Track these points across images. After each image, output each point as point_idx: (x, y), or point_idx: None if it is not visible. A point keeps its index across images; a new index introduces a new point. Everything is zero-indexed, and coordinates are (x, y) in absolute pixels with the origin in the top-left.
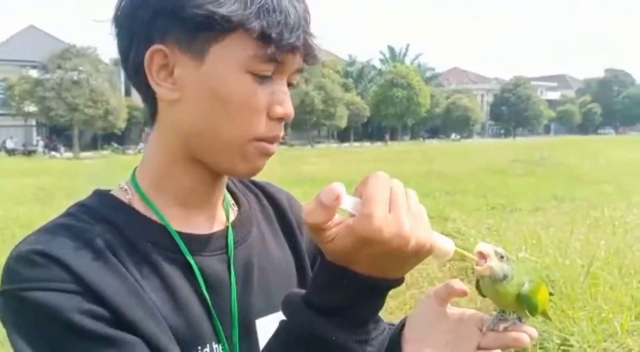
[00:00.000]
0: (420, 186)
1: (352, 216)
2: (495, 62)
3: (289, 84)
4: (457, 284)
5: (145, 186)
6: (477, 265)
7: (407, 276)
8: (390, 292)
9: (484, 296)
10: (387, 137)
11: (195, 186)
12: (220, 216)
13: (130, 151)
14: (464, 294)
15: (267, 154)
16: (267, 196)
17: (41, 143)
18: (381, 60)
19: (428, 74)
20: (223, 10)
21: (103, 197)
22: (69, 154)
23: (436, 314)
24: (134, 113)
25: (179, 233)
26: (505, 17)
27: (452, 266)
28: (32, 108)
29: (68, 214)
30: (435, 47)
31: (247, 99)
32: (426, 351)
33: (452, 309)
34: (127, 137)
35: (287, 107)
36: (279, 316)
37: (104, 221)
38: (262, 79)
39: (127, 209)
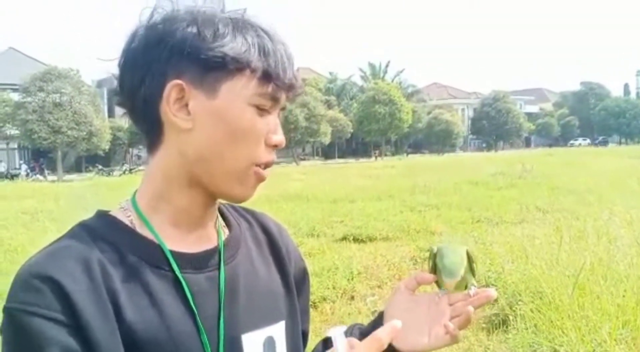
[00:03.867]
0: (406, 200)
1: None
2: (474, 76)
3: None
4: (425, 274)
5: (144, 206)
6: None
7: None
8: (381, 308)
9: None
10: (377, 152)
11: (191, 207)
12: (211, 235)
13: (115, 173)
14: (430, 281)
15: (261, 180)
16: (258, 222)
17: (24, 166)
18: (362, 77)
19: (409, 90)
20: (233, 53)
21: (103, 218)
22: (53, 177)
23: (408, 301)
24: (117, 134)
25: (172, 252)
26: (481, 32)
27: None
28: (13, 131)
29: (71, 235)
30: (414, 62)
31: (251, 129)
32: (411, 332)
33: (417, 295)
34: (111, 159)
35: (280, 136)
36: (264, 332)
37: (103, 240)
38: (262, 111)
39: (125, 229)
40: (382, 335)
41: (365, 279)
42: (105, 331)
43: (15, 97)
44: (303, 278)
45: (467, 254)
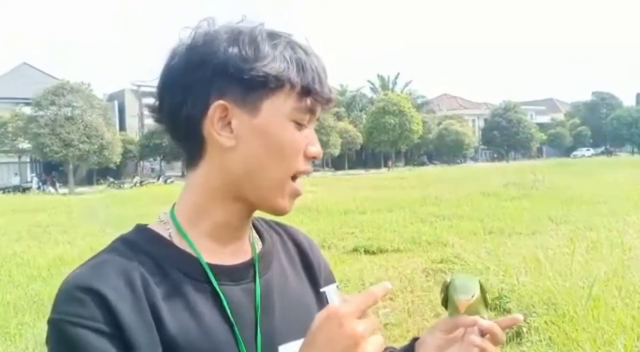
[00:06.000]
0: (417, 211)
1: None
2: (484, 86)
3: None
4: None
5: (182, 219)
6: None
7: (410, 304)
8: (393, 320)
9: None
10: (390, 163)
11: (230, 221)
12: (246, 248)
13: (126, 185)
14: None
15: (297, 195)
16: (290, 236)
17: (35, 179)
18: (371, 89)
19: (419, 100)
20: (273, 71)
21: (143, 232)
22: (65, 190)
23: (442, 339)
24: (128, 147)
25: (209, 264)
26: (490, 42)
27: None
28: (25, 145)
29: (112, 249)
30: (424, 73)
31: (292, 143)
32: None
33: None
34: (122, 172)
35: (318, 147)
36: (299, 344)
37: (143, 253)
38: (299, 126)
39: (164, 242)
40: (376, 290)
41: None
42: (148, 342)
43: (28, 111)
44: None
45: (480, 284)
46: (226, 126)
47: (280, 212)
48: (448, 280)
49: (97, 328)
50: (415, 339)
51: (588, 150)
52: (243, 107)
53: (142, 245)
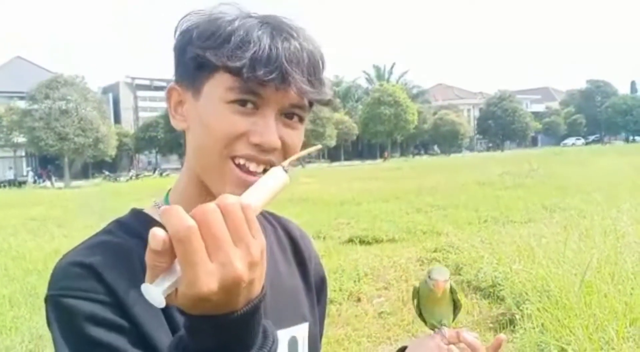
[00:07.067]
0: (413, 201)
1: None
2: (479, 76)
3: (300, 118)
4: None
5: (173, 203)
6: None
7: (404, 293)
8: (388, 309)
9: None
10: (386, 154)
11: None
12: None
13: (122, 178)
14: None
15: (244, 184)
16: (282, 227)
17: (31, 173)
18: (367, 80)
19: (414, 90)
20: (206, 53)
21: (138, 215)
22: (60, 184)
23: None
24: (124, 140)
25: None
26: (485, 31)
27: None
28: (20, 139)
29: (107, 231)
30: (419, 64)
31: (224, 127)
32: None
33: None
34: (118, 165)
35: (264, 136)
36: (289, 332)
37: (138, 236)
38: (244, 110)
39: (157, 226)
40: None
41: (372, 280)
42: (148, 311)
43: (22, 105)
44: (322, 286)
45: (450, 286)
46: (181, 109)
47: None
48: (417, 285)
49: (101, 300)
50: (402, 349)
51: (578, 139)
52: (191, 90)
53: (137, 228)
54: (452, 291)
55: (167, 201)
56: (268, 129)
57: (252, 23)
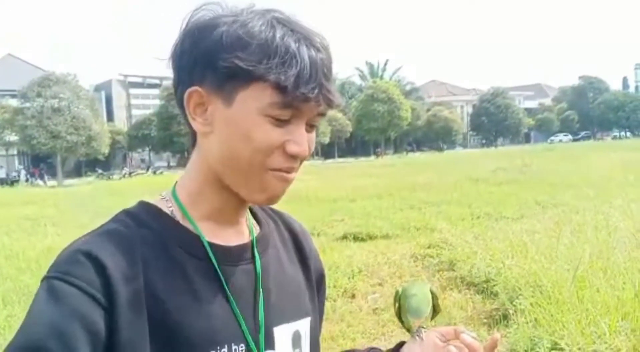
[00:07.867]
0: (406, 198)
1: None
2: (472, 73)
3: (312, 125)
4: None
5: (183, 199)
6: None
7: (400, 289)
8: (382, 305)
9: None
10: (379, 151)
11: (223, 207)
12: (244, 231)
13: (115, 176)
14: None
15: (285, 181)
16: (284, 223)
17: (23, 172)
18: (360, 76)
19: (408, 87)
20: (243, 64)
21: (147, 206)
22: (53, 182)
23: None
24: (116, 138)
25: (210, 244)
26: (479, 28)
27: (441, 276)
28: (12, 137)
29: (116, 220)
30: (412, 60)
31: (264, 139)
32: None
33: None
34: (111, 163)
35: (300, 146)
36: (293, 326)
37: (146, 226)
38: (279, 122)
39: (166, 218)
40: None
41: (366, 277)
42: (133, 323)
43: (14, 103)
44: (321, 281)
45: (431, 292)
46: (203, 112)
47: (263, 203)
48: (400, 290)
49: (92, 294)
50: (400, 344)
51: (566, 135)
52: (219, 95)
53: (146, 219)
54: (433, 297)
55: (175, 196)
56: (302, 138)
57: (284, 32)
